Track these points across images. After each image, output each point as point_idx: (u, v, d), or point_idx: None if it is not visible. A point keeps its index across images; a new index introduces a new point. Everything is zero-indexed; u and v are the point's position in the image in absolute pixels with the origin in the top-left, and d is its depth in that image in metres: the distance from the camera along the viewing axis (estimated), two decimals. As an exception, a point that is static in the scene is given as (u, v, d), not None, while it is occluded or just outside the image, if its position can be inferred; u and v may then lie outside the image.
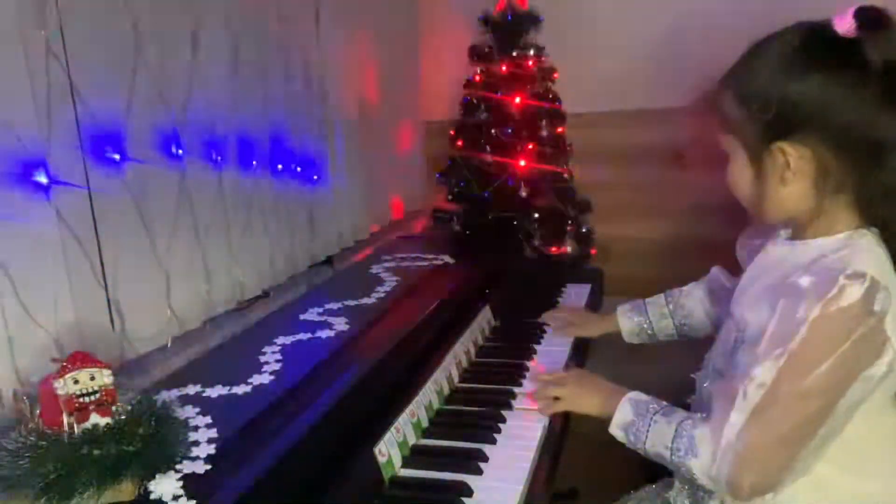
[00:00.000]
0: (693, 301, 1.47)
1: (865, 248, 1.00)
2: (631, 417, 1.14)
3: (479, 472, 1.09)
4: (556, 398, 1.26)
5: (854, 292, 0.93)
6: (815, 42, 0.99)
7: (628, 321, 1.54)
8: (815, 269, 0.99)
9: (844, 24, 0.97)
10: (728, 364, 1.10)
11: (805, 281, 0.97)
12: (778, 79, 1.00)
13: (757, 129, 1.02)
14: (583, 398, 1.24)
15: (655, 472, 1.28)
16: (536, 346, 1.57)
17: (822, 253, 1.01)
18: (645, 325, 1.52)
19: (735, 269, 1.31)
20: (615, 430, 1.17)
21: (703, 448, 1.04)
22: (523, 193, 2.24)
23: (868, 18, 0.96)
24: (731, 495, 1.04)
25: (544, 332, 1.64)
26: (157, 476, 0.81)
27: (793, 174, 1.01)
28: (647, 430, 1.11)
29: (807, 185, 1.01)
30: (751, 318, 1.05)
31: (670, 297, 1.51)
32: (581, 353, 1.59)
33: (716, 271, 1.44)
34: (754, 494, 1.02)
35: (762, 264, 1.12)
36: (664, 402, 1.15)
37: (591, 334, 1.62)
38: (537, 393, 1.29)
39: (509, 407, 1.29)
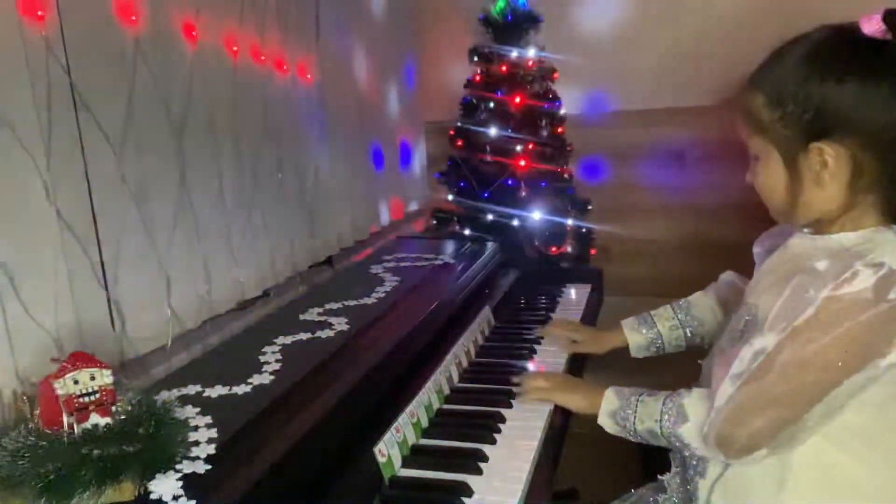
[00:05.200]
0: (702, 310, 1.44)
1: (889, 241, 1.00)
2: (617, 404, 1.17)
3: (479, 472, 1.09)
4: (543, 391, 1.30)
5: (867, 278, 0.94)
6: (848, 44, 1.00)
7: (637, 335, 1.47)
8: (833, 256, 1.00)
9: (872, 27, 0.97)
10: (735, 345, 1.11)
11: (822, 265, 0.98)
12: (815, 81, 1.00)
13: (793, 131, 1.02)
14: (567, 393, 1.28)
15: (655, 471, 1.28)
16: (536, 347, 1.57)
17: (844, 246, 1.03)
18: (654, 338, 1.47)
19: (741, 271, 1.31)
20: (604, 419, 1.19)
21: (692, 412, 1.08)
22: (523, 193, 2.24)
23: None
24: (722, 453, 1.04)
25: (540, 340, 1.62)
26: (157, 476, 0.81)
27: (829, 175, 1.01)
28: (635, 411, 1.14)
29: (841, 185, 1.01)
30: (762, 303, 1.06)
31: (678, 308, 1.47)
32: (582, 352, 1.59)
33: (728, 276, 1.42)
34: (742, 451, 1.03)
35: (782, 257, 1.12)
36: (645, 389, 1.17)
37: (595, 351, 1.56)
38: (524, 382, 1.32)
39: (509, 407, 1.29)
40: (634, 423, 1.14)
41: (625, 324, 1.50)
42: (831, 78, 0.99)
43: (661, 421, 1.10)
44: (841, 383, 0.96)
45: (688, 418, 1.08)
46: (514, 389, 1.33)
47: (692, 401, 1.09)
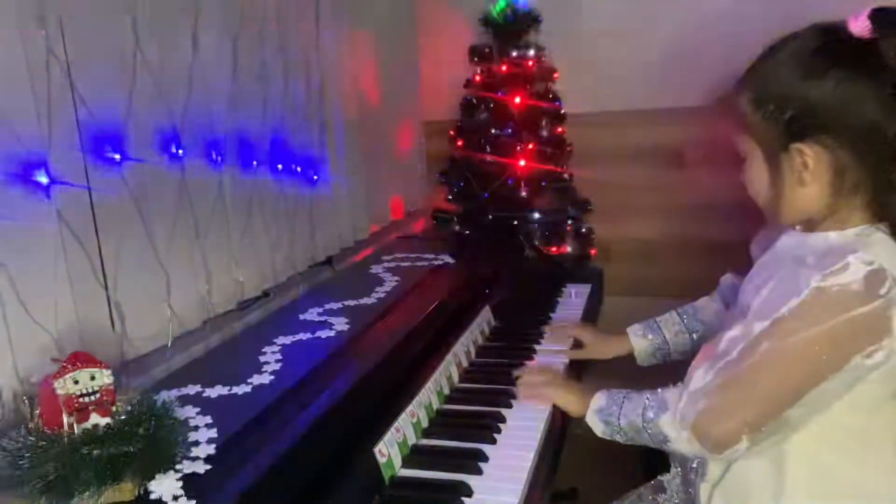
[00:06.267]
0: (709, 314, 1.44)
1: (878, 242, 1.00)
2: (605, 402, 1.18)
3: (479, 472, 1.09)
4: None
5: (857, 271, 0.93)
6: (832, 43, 1.00)
7: (643, 341, 1.47)
8: (824, 251, 0.99)
9: (859, 25, 0.97)
10: None
11: (811, 258, 0.98)
12: (795, 80, 1.00)
13: (774, 131, 1.02)
14: (562, 390, 1.29)
15: (654, 471, 1.28)
16: (536, 346, 1.57)
17: (832, 245, 1.02)
18: (660, 345, 1.46)
19: (740, 270, 1.31)
20: (591, 416, 1.19)
21: (671, 402, 1.07)
22: (523, 193, 2.24)
23: (883, 19, 0.96)
24: (699, 443, 1.03)
25: (543, 333, 1.63)
26: (157, 476, 0.81)
27: (810, 175, 1.01)
28: (621, 407, 1.15)
29: (823, 185, 1.01)
30: (754, 302, 1.06)
31: (684, 314, 1.46)
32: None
33: (728, 278, 1.42)
34: (720, 445, 1.01)
35: (773, 256, 1.12)
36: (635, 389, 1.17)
37: (598, 357, 1.56)
38: (522, 380, 1.33)
39: (509, 407, 1.29)
40: (619, 419, 1.14)
41: (630, 330, 1.49)
42: (813, 78, 0.98)
43: (643, 414, 1.10)
44: (825, 379, 0.95)
45: (667, 408, 1.07)
46: (516, 388, 1.33)
47: (673, 393, 1.09)
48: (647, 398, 1.12)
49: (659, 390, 1.12)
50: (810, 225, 1.07)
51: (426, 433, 1.20)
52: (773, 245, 1.13)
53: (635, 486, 1.32)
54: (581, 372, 1.54)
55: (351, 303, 1.45)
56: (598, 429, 1.19)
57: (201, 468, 0.84)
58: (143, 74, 1.22)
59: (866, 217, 1.03)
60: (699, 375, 1.02)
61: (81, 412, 0.80)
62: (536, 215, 2.25)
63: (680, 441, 1.07)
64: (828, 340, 0.94)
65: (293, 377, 1.09)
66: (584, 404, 1.21)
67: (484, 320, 1.63)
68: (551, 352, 1.54)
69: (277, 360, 1.15)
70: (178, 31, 1.32)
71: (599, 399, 1.19)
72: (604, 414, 1.17)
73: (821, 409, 0.99)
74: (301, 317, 1.38)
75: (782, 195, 1.05)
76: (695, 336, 1.44)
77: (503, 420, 1.24)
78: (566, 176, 2.31)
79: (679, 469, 1.20)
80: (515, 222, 2.25)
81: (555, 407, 1.28)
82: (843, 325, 0.93)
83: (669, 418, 1.07)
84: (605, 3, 2.37)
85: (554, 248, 2.27)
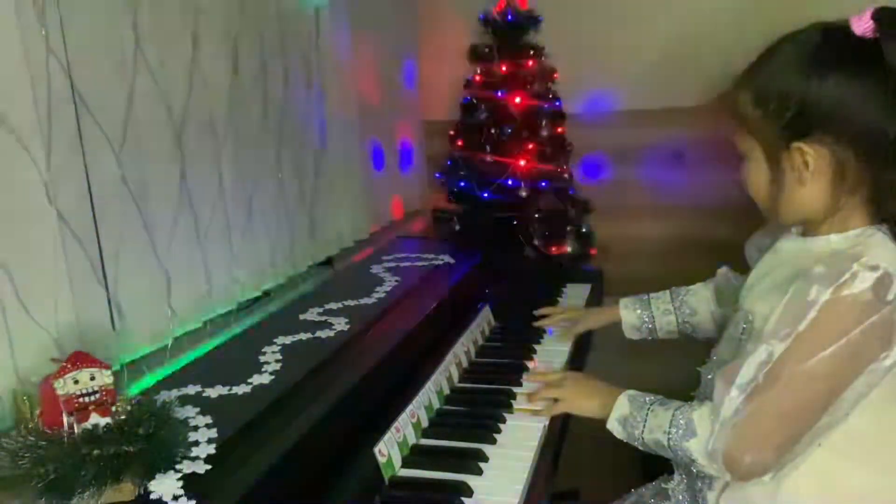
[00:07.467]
0: (698, 300, 1.46)
1: (879, 243, 1.00)
2: (628, 410, 1.15)
3: (479, 472, 1.09)
4: (555, 400, 1.27)
5: (865, 279, 0.93)
6: (833, 43, 1.00)
7: (630, 314, 1.51)
8: (829, 259, 0.99)
9: (862, 25, 0.97)
10: (734, 355, 1.10)
11: (819, 268, 0.97)
12: (797, 79, 1.00)
13: (775, 130, 1.02)
14: (581, 400, 1.25)
15: (655, 471, 1.28)
16: (536, 346, 1.57)
17: (835, 248, 1.02)
18: (647, 320, 1.49)
19: (740, 270, 1.31)
20: (613, 424, 1.17)
21: (700, 427, 1.05)
22: (523, 193, 2.24)
23: (886, 19, 0.96)
24: (729, 472, 1.03)
25: (544, 332, 1.64)
26: (157, 476, 0.81)
27: (811, 175, 1.01)
28: (645, 420, 1.12)
29: (824, 185, 1.01)
30: (759, 310, 1.05)
31: (675, 294, 1.49)
32: (582, 353, 1.59)
33: (724, 271, 1.43)
34: (751, 473, 1.01)
35: (774, 259, 1.12)
36: (661, 396, 1.15)
37: (591, 326, 1.60)
38: (538, 395, 1.29)
39: (509, 407, 1.29)
40: (643, 433, 1.12)
41: (622, 301, 1.54)
42: (815, 77, 0.98)
43: (669, 433, 1.08)
44: (844, 389, 0.96)
45: (696, 433, 1.05)
46: (527, 406, 1.30)
47: (702, 415, 1.06)
48: (674, 417, 1.08)
49: (685, 409, 1.09)
50: (810, 226, 1.07)
51: (426, 433, 1.20)
52: (774, 247, 1.13)
53: (635, 486, 1.32)
54: (585, 354, 1.58)
55: (351, 303, 1.45)
56: (620, 435, 1.16)
57: (201, 468, 0.83)
58: (143, 74, 1.22)
59: (866, 218, 1.03)
60: (728, 404, 1.00)
61: (81, 412, 0.80)
62: (536, 215, 2.25)
63: (709, 468, 1.06)
64: (846, 354, 0.94)
65: (293, 377, 1.09)
66: (606, 408, 1.17)
67: (484, 320, 1.63)
68: (552, 351, 1.55)
69: (277, 360, 1.15)
70: (178, 31, 1.31)
71: (623, 406, 1.15)
72: (627, 424, 1.14)
73: (840, 419, 0.99)
74: (301, 317, 1.37)
75: (782, 194, 1.05)
76: (680, 319, 1.46)
77: (503, 420, 1.25)
78: (566, 176, 2.32)
79: (684, 477, 1.19)
80: (515, 222, 2.25)
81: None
82: (858, 337, 0.94)
83: (699, 445, 1.05)
84: (604, 4, 2.37)
85: (554, 248, 2.27)
